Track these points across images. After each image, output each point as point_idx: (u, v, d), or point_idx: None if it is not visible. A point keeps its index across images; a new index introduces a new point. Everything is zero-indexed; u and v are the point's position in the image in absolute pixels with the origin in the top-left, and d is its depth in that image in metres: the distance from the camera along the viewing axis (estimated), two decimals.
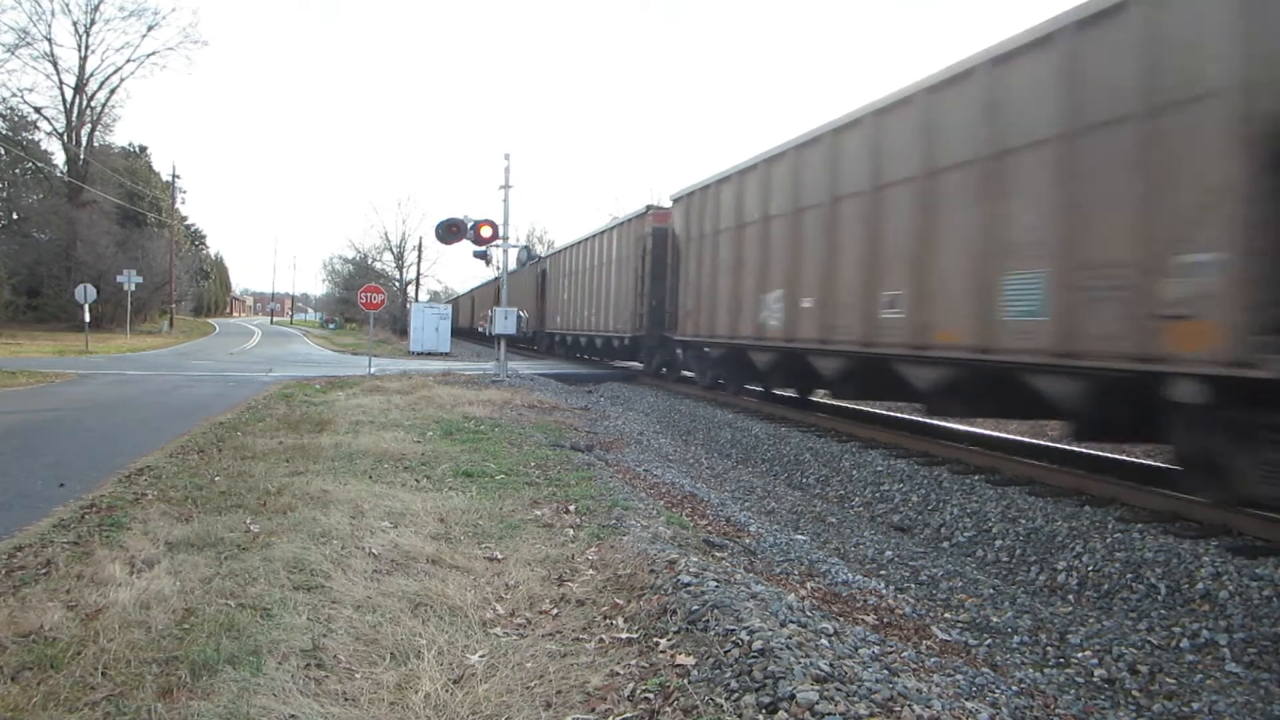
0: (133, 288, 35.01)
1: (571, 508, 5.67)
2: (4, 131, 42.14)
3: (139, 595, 3.75)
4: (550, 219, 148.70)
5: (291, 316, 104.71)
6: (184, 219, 60.00)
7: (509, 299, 29.36)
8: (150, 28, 68.61)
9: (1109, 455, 8.85)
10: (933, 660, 3.94)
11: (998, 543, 6.58)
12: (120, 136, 66.98)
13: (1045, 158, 6.97)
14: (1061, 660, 4.57)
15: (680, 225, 15.84)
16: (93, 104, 43.58)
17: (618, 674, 3.02)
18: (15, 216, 44.24)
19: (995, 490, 7.41)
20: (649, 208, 18.56)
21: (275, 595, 3.82)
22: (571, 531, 5.06)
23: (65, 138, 43.12)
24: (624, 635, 3.39)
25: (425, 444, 8.31)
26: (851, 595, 4.96)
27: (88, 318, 28.42)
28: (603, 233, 21.19)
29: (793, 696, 2.63)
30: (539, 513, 5.57)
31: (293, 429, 9.23)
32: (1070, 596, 5.63)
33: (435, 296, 58.93)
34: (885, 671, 3.10)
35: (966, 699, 3.24)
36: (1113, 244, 6.31)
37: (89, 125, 43.89)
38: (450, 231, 16.37)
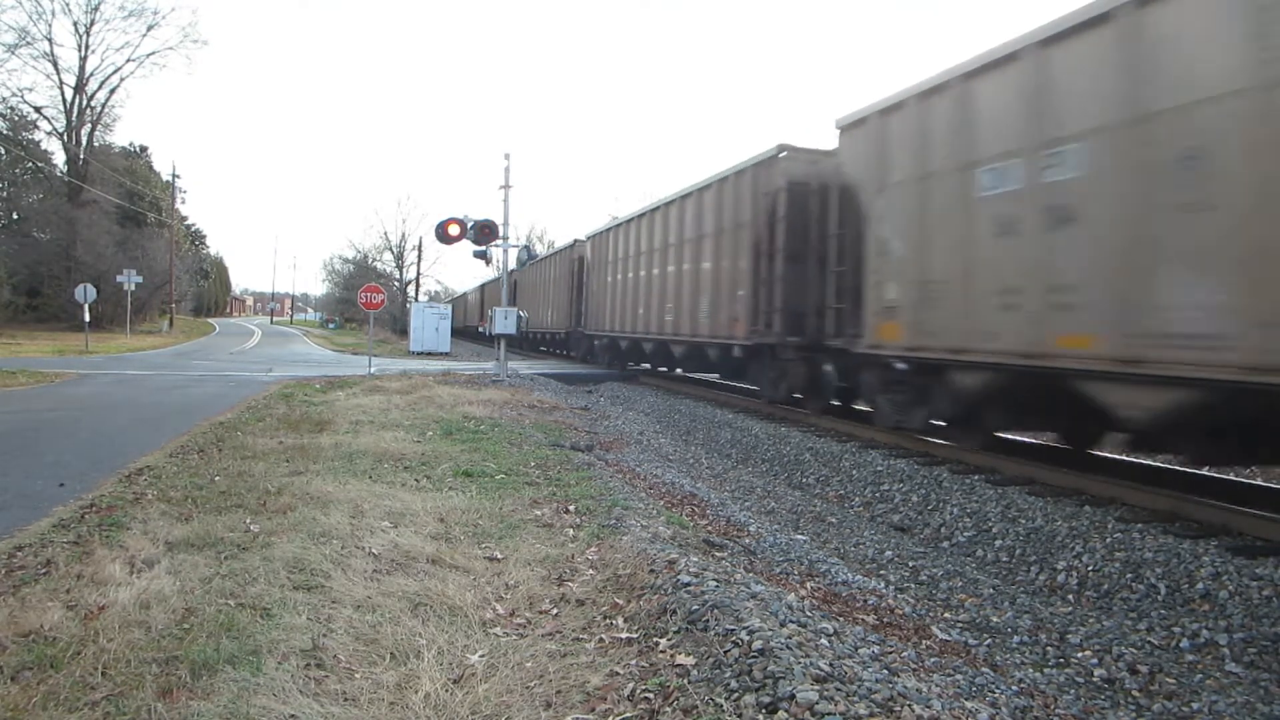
0: (133, 288, 35.01)
1: (571, 508, 5.67)
2: (4, 131, 42.14)
3: (139, 595, 3.75)
4: (550, 219, 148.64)
5: (291, 316, 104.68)
6: (184, 219, 60.05)
7: (531, 293, 29.38)
8: (150, 27, 68.71)
9: (1109, 455, 8.85)
10: (933, 660, 3.94)
11: (998, 542, 6.58)
12: (120, 136, 67.02)
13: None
14: (1061, 660, 4.57)
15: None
16: (93, 104, 43.61)
17: (618, 674, 3.02)
18: (15, 216, 44.22)
19: (995, 490, 7.41)
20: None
21: (275, 595, 3.82)
22: (571, 531, 5.06)
23: (65, 138, 43.12)
24: (624, 635, 3.39)
25: (425, 444, 8.31)
26: (851, 595, 4.96)
27: (88, 317, 28.41)
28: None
29: (793, 696, 2.63)
30: (539, 513, 5.57)
31: (293, 429, 9.23)
32: (1070, 596, 5.63)
33: (435, 296, 58.93)
34: (885, 671, 3.10)
35: (966, 699, 3.24)
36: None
37: (89, 125, 43.91)
38: (449, 231, 16.37)
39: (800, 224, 11.42)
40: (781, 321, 11.58)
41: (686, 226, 15.04)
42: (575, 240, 24.98)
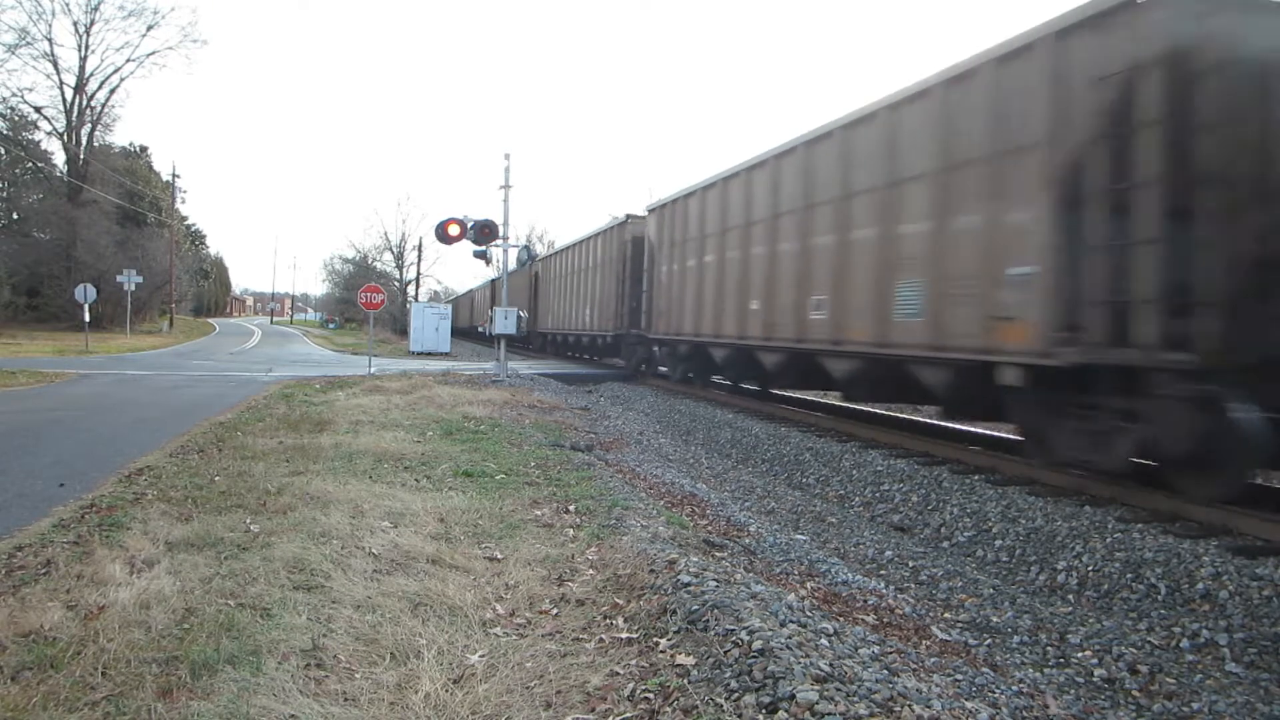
0: (133, 287, 35.02)
1: (571, 508, 5.67)
2: (4, 131, 42.14)
3: (139, 595, 3.75)
4: (550, 219, 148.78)
5: (291, 316, 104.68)
6: (184, 219, 60.01)
7: (560, 286, 26.69)
8: (150, 27, 68.79)
9: None
10: (933, 660, 3.94)
11: (998, 542, 6.58)
12: (120, 136, 67.20)
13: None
14: (1061, 660, 4.57)
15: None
16: (93, 104, 43.58)
17: (618, 674, 3.02)
18: (15, 216, 44.23)
19: (995, 490, 7.41)
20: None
21: (275, 595, 3.82)
22: (571, 531, 5.06)
23: (65, 138, 43.09)
24: (624, 635, 3.39)
25: (425, 444, 8.31)
26: (851, 595, 4.96)
27: (88, 317, 28.41)
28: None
29: (793, 696, 2.63)
30: (539, 512, 5.57)
31: (293, 429, 9.23)
32: (1070, 596, 5.63)
33: (435, 296, 58.96)
34: (885, 671, 3.10)
35: (966, 699, 3.24)
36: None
37: (89, 125, 43.90)
38: (449, 231, 16.38)
39: (1184, 136, 5.96)
40: (1157, 323, 6.06)
41: (855, 172, 9.82)
42: (627, 216, 19.73)
